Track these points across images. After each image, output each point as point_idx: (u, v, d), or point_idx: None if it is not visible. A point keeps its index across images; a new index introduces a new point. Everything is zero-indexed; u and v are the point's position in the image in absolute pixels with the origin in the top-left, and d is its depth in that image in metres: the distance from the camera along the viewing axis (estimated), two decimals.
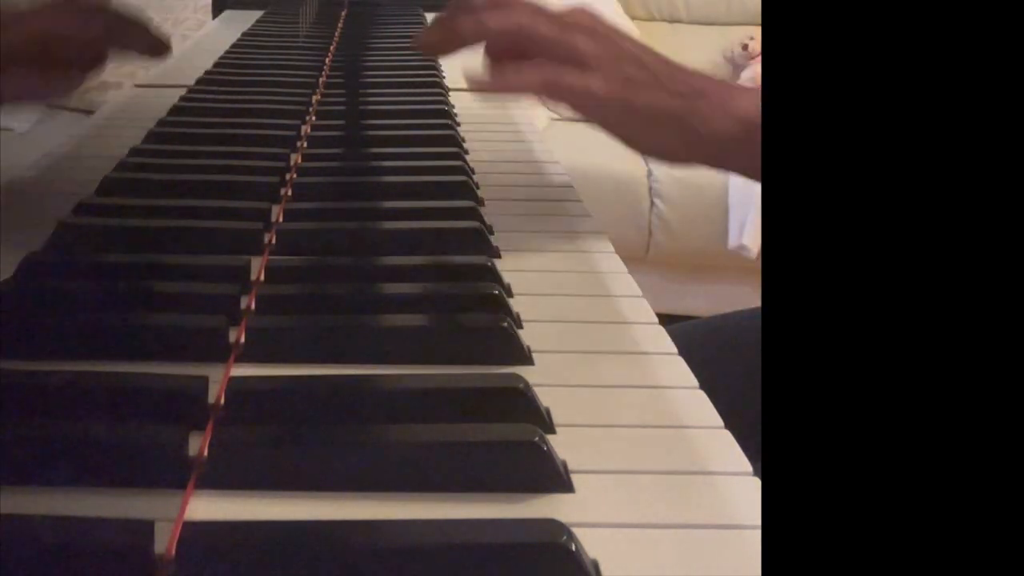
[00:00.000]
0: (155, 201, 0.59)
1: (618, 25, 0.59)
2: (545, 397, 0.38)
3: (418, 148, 0.71)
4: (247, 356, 0.41)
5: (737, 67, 3.03)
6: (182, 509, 0.31)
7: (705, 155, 0.57)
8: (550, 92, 0.55)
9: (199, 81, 0.90)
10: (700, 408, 0.39)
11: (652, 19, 3.20)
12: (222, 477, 0.33)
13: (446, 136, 0.73)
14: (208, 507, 0.32)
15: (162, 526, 0.29)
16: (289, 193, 0.60)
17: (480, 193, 0.62)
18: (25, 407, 0.36)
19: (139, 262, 0.50)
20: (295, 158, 0.67)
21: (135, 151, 0.68)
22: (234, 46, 1.08)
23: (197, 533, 0.29)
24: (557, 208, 0.63)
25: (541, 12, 0.57)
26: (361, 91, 0.89)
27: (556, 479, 0.33)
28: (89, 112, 2.31)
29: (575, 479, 0.34)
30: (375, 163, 0.69)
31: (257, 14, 1.29)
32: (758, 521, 0.32)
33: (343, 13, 1.27)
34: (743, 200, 2.08)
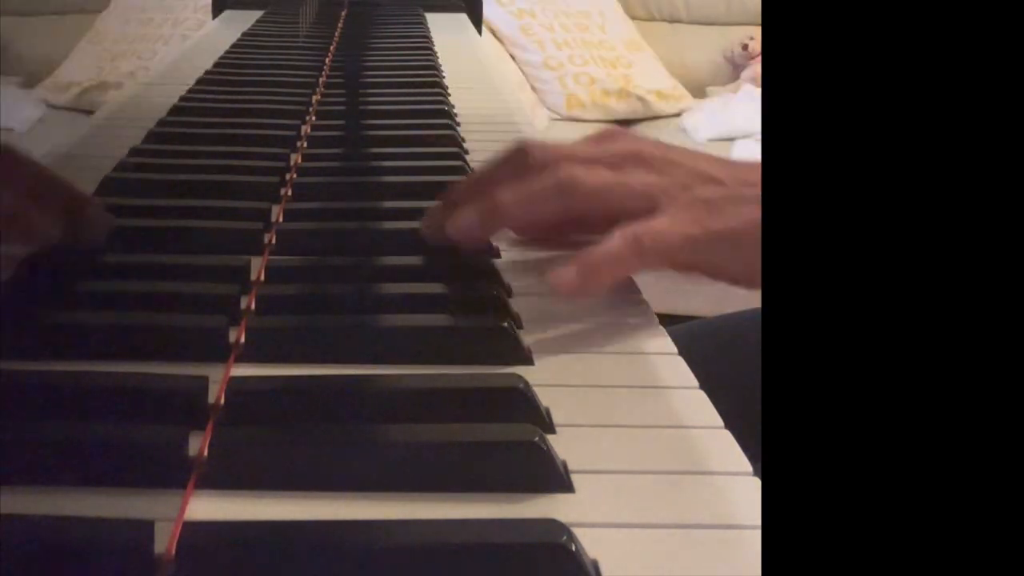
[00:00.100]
0: (155, 201, 0.59)
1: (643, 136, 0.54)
2: (545, 397, 0.38)
3: (418, 148, 0.71)
4: (247, 356, 0.41)
5: (737, 67, 3.03)
6: (182, 509, 0.31)
7: None
8: (640, 262, 0.47)
9: (199, 81, 0.90)
10: (700, 408, 0.39)
11: (652, 19, 3.20)
12: (222, 477, 0.33)
13: (446, 136, 0.73)
14: (208, 507, 0.32)
15: (162, 526, 0.29)
16: (289, 193, 0.60)
17: None
18: (25, 407, 0.36)
19: (139, 262, 0.50)
20: (295, 158, 0.67)
21: (135, 151, 0.68)
22: (234, 46, 1.08)
23: (197, 533, 0.29)
24: None
25: (576, 157, 0.50)
26: (361, 91, 0.89)
27: (556, 479, 0.33)
28: (89, 112, 2.31)
29: (575, 479, 0.34)
30: (375, 163, 0.69)
31: (257, 14, 1.29)
32: (758, 521, 0.32)
33: (343, 13, 1.27)
34: None
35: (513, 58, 2.88)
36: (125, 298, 0.45)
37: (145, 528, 0.29)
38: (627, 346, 0.44)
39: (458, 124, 0.78)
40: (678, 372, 0.42)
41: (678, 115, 2.83)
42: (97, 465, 0.33)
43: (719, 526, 0.32)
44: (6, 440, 0.33)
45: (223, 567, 0.29)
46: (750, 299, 0.47)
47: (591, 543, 0.30)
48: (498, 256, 0.53)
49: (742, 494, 0.34)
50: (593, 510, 0.32)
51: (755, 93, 2.73)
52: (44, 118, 2.66)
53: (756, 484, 0.34)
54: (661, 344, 0.45)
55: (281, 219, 0.56)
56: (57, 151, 0.71)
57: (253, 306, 0.45)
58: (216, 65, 0.97)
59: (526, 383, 0.38)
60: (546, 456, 0.33)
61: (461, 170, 0.65)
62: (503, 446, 0.34)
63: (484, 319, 0.44)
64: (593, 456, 0.35)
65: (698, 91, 2.98)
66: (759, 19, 3.04)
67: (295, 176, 0.63)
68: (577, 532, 0.30)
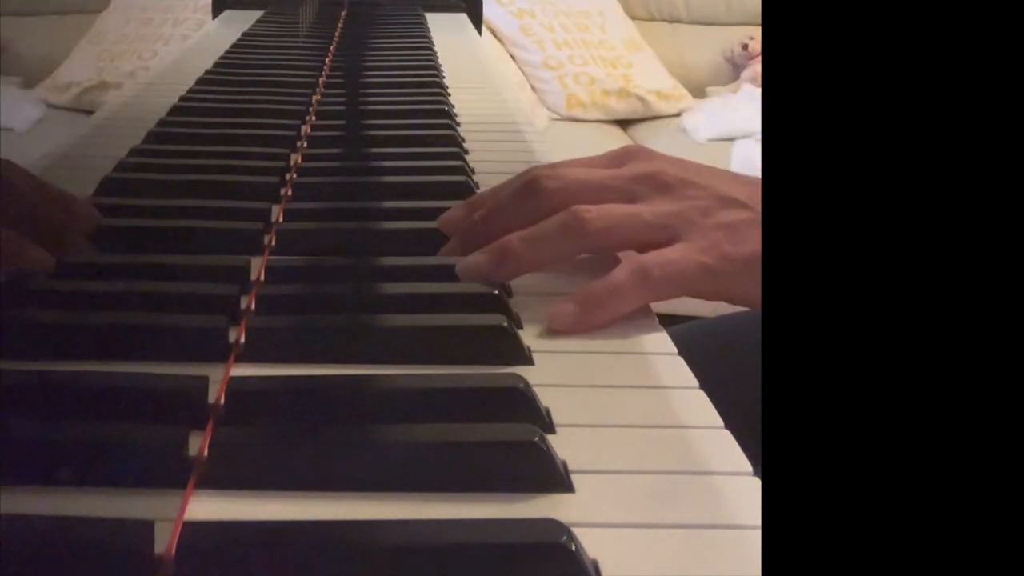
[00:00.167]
0: (155, 201, 0.59)
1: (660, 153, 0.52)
2: (545, 397, 0.38)
3: (418, 148, 0.71)
4: (247, 356, 0.41)
5: (737, 67, 3.03)
6: (182, 509, 0.31)
7: None
8: (649, 293, 0.46)
9: (199, 81, 0.90)
10: (700, 408, 0.39)
11: (652, 19, 3.20)
12: (222, 477, 0.33)
13: (446, 136, 0.73)
14: (208, 507, 0.32)
15: (162, 526, 0.29)
16: (289, 193, 0.60)
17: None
18: (25, 407, 0.36)
19: (139, 262, 0.50)
20: (295, 158, 0.67)
21: (135, 151, 0.68)
22: (234, 46, 1.08)
23: (197, 533, 0.29)
24: None
25: (589, 186, 0.49)
26: (361, 91, 0.89)
27: (556, 479, 0.33)
28: (89, 112, 2.31)
29: (575, 479, 0.34)
30: (375, 163, 0.69)
31: (257, 14, 1.29)
32: (758, 521, 0.32)
33: (343, 13, 1.27)
34: None
35: (513, 58, 2.88)
36: (125, 298, 0.45)
37: (145, 528, 0.29)
38: (627, 346, 0.44)
39: (458, 124, 0.78)
40: (678, 372, 0.42)
41: (678, 115, 2.83)
42: (97, 465, 0.33)
43: (719, 526, 0.32)
44: (6, 440, 0.33)
45: (223, 567, 0.29)
46: None
47: (591, 543, 0.30)
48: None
49: (742, 494, 0.34)
50: (593, 510, 0.32)
51: (755, 93, 2.73)
52: (44, 118, 2.66)
53: (756, 484, 0.34)
54: (661, 344, 0.45)
55: (281, 219, 0.56)
56: (57, 151, 0.71)
57: (253, 306, 0.45)
58: (216, 65, 0.97)
59: (526, 383, 0.38)
60: (546, 456, 0.33)
61: (461, 170, 0.65)
62: (503, 446, 0.34)
63: (484, 319, 0.44)
64: (593, 456, 0.35)
65: (698, 91, 2.98)
66: (759, 19, 3.04)
67: (295, 176, 0.63)
68: (577, 532, 0.30)
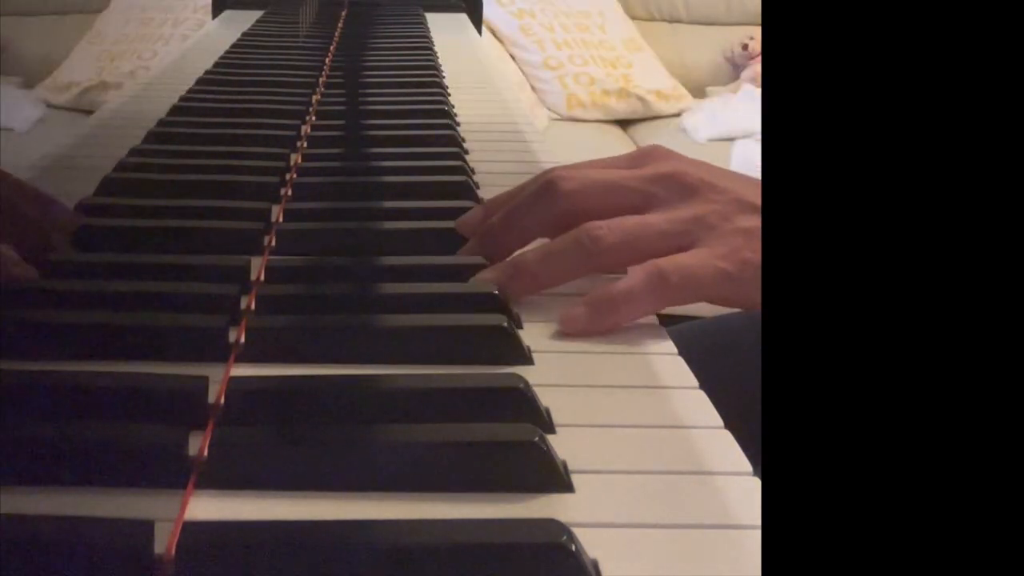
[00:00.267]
0: (155, 201, 0.59)
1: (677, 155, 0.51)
2: (545, 397, 0.38)
3: (418, 148, 0.71)
4: (247, 356, 0.41)
5: (737, 67, 3.03)
6: (182, 509, 0.31)
7: None
8: (665, 298, 0.46)
9: (199, 81, 0.90)
10: (700, 408, 0.39)
11: (652, 19, 3.20)
12: (222, 477, 0.33)
13: (446, 136, 0.73)
14: (208, 507, 0.32)
15: (162, 526, 0.29)
16: (289, 193, 0.60)
17: (480, 193, 0.62)
18: (25, 407, 0.36)
19: (139, 262, 0.50)
20: (295, 158, 0.67)
21: (135, 151, 0.68)
22: (234, 46, 1.08)
23: (197, 533, 0.29)
24: None
25: (606, 188, 0.49)
26: (361, 91, 0.89)
27: (556, 479, 0.33)
28: (89, 112, 2.31)
29: (575, 479, 0.34)
30: (375, 163, 0.69)
31: (257, 14, 1.29)
32: (758, 521, 0.32)
33: (343, 13, 1.27)
34: None
35: (513, 58, 2.88)
36: (125, 298, 0.45)
37: (145, 528, 0.29)
38: (627, 346, 0.44)
39: (458, 124, 0.78)
40: (678, 372, 0.42)
41: (678, 115, 2.83)
42: (97, 465, 0.33)
43: (719, 526, 0.32)
44: (6, 440, 0.33)
45: (223, 567, 0.29)
46: None
47: (591, 543, 0.30)
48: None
49: (742, 494, 0.34)
50: (593, 510, 0.32)
51: (755, 93, 2.73)
52: (44, 118, 2.66)
53: (756, 484, 0.34)
54: (661, 344, 0.45)
55: (281, 219, 0.56)
56: (57, 151, 0.71)
57: (253, 306, 0.45)
58: (216, 65, 0.97)
59: (526, 383, 0.38)
60: (546, 456, 0.33)
61: (461, 170, 0.65)
62: (503, 446, 0.34)
63: (484, 319, 0.44)
64: (593, 456, 0.35)
65: (698, 91, 2.98)
66: (759, 19, 3.04)
67: (295, 176, 0.63)
68: (577, 532, 0.30)
